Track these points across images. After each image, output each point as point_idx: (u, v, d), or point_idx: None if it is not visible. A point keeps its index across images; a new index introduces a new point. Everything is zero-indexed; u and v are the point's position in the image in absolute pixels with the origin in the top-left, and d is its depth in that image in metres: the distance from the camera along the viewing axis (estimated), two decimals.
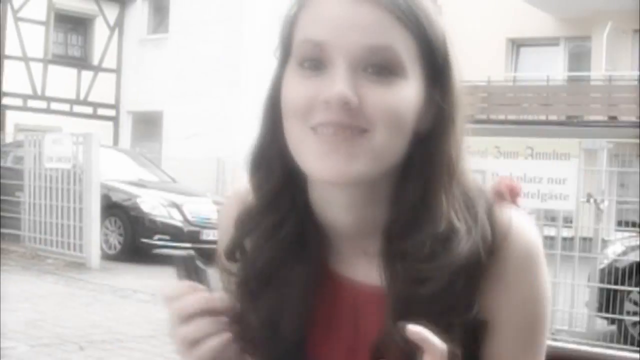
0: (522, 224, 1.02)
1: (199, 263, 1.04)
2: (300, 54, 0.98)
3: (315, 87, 0.96)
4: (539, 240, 1.03)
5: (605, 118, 19.98)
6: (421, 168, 0.99)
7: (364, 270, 1.05)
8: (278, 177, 1.04)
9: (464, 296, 0.98)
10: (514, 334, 1.02)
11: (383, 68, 0.95)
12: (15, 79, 20.97)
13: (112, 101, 22.95)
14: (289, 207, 1.05)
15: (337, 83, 0.94)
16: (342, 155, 0.95)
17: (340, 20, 0.95)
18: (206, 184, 16.18)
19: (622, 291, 7.53)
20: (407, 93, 0.96)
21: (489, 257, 0.99)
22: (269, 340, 1.05)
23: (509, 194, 1.03)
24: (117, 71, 23.00)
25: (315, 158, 0.96)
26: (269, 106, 1.05)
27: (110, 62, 22.90)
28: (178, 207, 12.34)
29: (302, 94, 0.97)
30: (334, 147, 0.95)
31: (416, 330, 0.90)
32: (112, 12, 22.87)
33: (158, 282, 9.78)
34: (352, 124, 0.95)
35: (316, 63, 0.97)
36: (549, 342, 1.10)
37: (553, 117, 20.80)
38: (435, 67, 0.99)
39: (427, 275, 0.97)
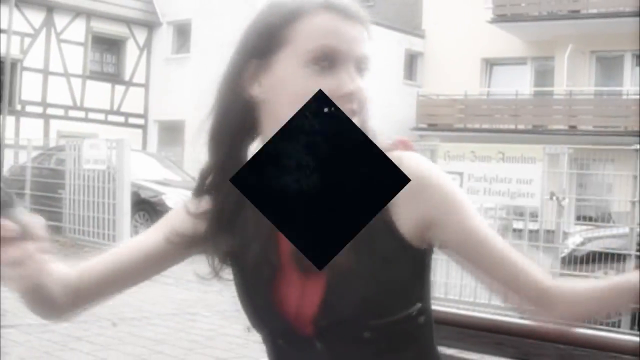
0: (410, 156, 1.11)
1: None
2: (312, 57, 1.08)
3: (331, 83, 1.08)
4: (427, 164, 1.11)
5: (566, 127, 19.96)
6: None
7: None
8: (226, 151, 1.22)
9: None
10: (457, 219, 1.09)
11: (361, 66, 1.12)
12: (58, 92, 20.96)
13: (141, 111, 22.93)
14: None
15: (353, 81, 1.09)
16: None
17: (346, 34, 1.10)
18: None
19: (580, 276, 7.51)
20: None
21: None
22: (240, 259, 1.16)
23: (402, 145, 1.15)
24: (146, 86, 22.98)
25: None
26: (229, 89, 1.23)
27: (139, 77, 22.88)
28: None
29: (320, 87, 1.07)
30: None
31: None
32: (141, 35, 22.86)
33: (180, 267, 9.78)
34: (354, 109, 1.09)
35: (328, 64, 1.08)
36: (560, 326, 1.07)
37: (521, 126, 20.80)
38: None
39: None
